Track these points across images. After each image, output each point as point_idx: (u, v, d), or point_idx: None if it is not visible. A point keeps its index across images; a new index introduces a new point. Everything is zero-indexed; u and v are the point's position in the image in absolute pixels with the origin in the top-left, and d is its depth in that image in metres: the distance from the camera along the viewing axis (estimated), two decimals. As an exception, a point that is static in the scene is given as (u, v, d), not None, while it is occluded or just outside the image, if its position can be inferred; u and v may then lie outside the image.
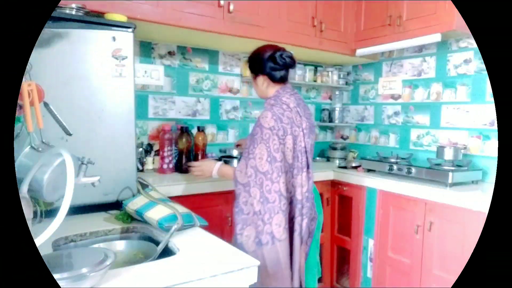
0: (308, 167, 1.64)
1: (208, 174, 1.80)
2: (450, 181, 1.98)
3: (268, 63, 1.64)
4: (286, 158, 1.58)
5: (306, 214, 1.62)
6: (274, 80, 1.67)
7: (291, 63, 1.67)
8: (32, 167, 0.87)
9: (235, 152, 2.36)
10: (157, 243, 1.25)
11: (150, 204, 1.41)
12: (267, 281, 1.54)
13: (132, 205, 1.43)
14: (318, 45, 2.57)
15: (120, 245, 1.27)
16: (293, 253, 1.60)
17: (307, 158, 1.64)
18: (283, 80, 1.69)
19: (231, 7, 2.11)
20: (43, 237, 0.73)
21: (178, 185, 1.94)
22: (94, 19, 1.53)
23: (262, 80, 1.68)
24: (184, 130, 2.34)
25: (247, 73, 1.73)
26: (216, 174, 1.77)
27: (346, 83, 3.21)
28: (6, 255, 0.63)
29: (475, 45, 2.34)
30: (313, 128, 1.73)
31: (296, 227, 1.61)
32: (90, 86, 1.51)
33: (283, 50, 1.68)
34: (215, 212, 2.04)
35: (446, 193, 1.93)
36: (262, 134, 1.55)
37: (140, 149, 2.25)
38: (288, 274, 1.57)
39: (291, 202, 1.62)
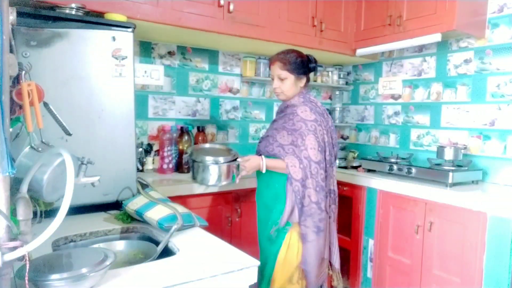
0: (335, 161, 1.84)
1: (254, 170, 1.78)
2: (450, 181, 1.98)
3: (311, 64, 1.81)
4: (327, 148, 1.73)
5: (337, 202, 1.83)
6: (308, 81, 1.83)
7: (317, 66, 1.88)
8: (31, 167, 0.87)
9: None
10: (157, 243, 1.25)
11: (150, 204, 1.41)
12: (323, 265, 1.75)
13: (132, 205, 1.43)
14: (318, 45, 2.57)
15: (120, 245, 1.26)
16: (330, 238, 1.81)
17: (335, 152, 1.81)
18: (309, 81, 1.86)
19: (231, 7, 2.11)
20: (43, 237, 0.73)
21: (178, 185, 1.94)
22: (94, 19, 1.53)
23: (303, 81, 1.79)
24: (184, 130, 2.34)
25: (282, 73, 1.75)
26: (265, 169, 1.73)
27: (346, 83, 3.21)
28: None
29: (475, 45, 2.34)
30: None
31: (331, 214, 1.80)
32: (90, 86, 1.51)
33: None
34: (215, 212, 2.04)
35: (446, 193, 1.93)
36: (308, 126, 1.67)
37: (140, 149, 2.25)
38: (327, 253, 1.79)
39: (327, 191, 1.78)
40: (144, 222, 1.38)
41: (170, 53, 2.47)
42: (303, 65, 1.78)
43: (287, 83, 1.77)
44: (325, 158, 1.72)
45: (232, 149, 2.04)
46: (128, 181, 1.61)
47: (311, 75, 1.99)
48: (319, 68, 3.11)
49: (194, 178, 1.96)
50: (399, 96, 2.81)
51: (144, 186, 1.67)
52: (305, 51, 2.59)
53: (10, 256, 0.71)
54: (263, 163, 1.73)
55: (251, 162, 1.75)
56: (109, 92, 1.55)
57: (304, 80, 1.80)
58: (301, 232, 1.68)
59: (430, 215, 2.01)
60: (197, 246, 1.18)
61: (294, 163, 1.67)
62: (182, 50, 2.52)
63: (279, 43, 2.36)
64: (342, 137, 3.32)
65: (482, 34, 2.27)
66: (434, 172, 2.08)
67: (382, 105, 2.95)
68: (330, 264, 1.86)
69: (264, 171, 1.74)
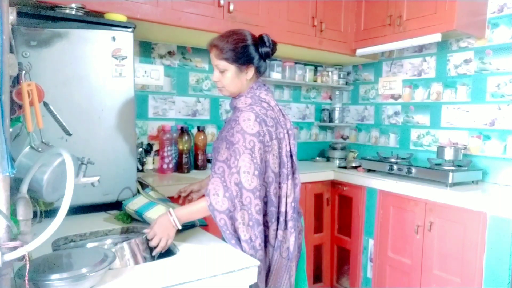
0: (293, 173, 1.39)
1: (172, 229, 1.23)
2: (450, 181, 1.98)
3: (262, 49, 1.38)
4: (272, 167, 1.31)
5: (293, 227, 1.35)
6: (260, 72, 1.41)
7: (274, 50, 1.43)
8: (32, 167, 0.87)
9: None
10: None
11: (149, 204, 1.41)
12: None
13: (132, 205, 1.43)
14: (318, 45, 2.57)
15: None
16: (273, 273, 1.34)
17: (292, 162, 1.39)
18: (263, 72, 1.44)
19: (231, 7, 2.11)
20: (43, 237, 0.73)
21: (178, 185, 1.93)
22: (94, 19, 1.53)
23: (250, 72, 1.37)
24: (184, 130, 2.34)
25: (219, 64, 1.35)
26: (179, 224, 1.23)
27: (346, 83, 3.21)
28: None
29: (475, 45, 2.34)
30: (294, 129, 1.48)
31: (280, 249, 1.34)
32: (90, 86, 1.51)
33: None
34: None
35: (446, 193, 1.93)
36: (245, 142, 1.25)
37: (140, 149, 2.25)
38: None
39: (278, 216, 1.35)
40: (144, 222, 1.38)
41: (170, 53, 2.47)
42: (247, 52, 1.35)
43: (227, 76, 1.36)
44: (274, 177, 1.31)
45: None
46: (128, 181, 1.61)
47: (269, 62, 1.56)
48: (319, 68, 3.12)
49: None
50: (399, 96, 2.81)
51: (144, 186, 1.66)
52: (305, 51, 2.63)
53: (10, 256, 0.71)
54: (173, 218, 1.23)
55: (156, 228, 1.22)
56: (109, 92, 1.55)
57: (251, 71, 1.37)
58: None
59: (430, 215, 2.01)
60: (197, 246, 1.18)
61: (217, 190, 1.23)
62: (182, 50, 2.52)
63: (279, 43, 2.32)
64: (342, 137, 3.32)
65: (482, 34, 2.27)
66: (434, 172, 2.08)
67: (382, 105, 2.95)
68: None
69: (180, 227, 1.23)
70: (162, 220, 1.23)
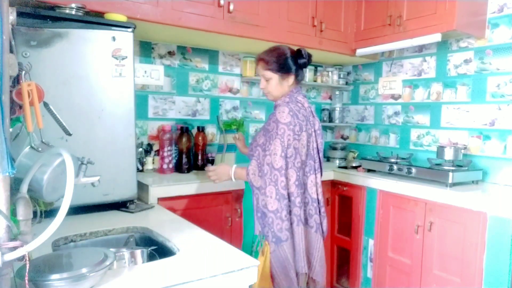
0: (321, 169, 1.72)
1: (225, 178, 1.74)
2: (450, 181, 1.98)
3: (300, 60, 1.69)
4: (300, 154, 1.62)
5: (324, 213, 1.71)
6: (298, 79, 1.72)
7: (310, 61, 1.74)
8: (32, 167, 0.87)
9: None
10: (157, 243, 1.26)
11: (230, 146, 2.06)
12: (285, 273, 1.60)
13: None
14: (318, 45, 2.57)
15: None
16: (307, 249, 1.67)
17: (319, 158, 1.70)
18: (301, 80, 1.76)
19: (231, 7, 2.11)
20: (43, 237, 0.73)
21: (178, 185, 1.94)
22: (94, 19, 1.53)
23: (291, 79, 1.69)
24: (184, 130, 2.34)
25: (265, 74, 1.70)
26: (233, 178, 1.72)
27: (346, 83, 3.21)
28: None
29: (475, 45, 2.34)
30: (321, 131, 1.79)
31: (312, 223, 1.67)
32: (90, 86, 1.51)
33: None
34: (215, 212, 2.04)
35: (446, 193, 1.93)
36: (278, 129, 1.58)
37: (140, 149, 2.25)
38: (300, 266, 1.63)
39: (303, 200, 1.66)
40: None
41: (170, 53, 2.47)
42: (287, 63, 1.68)
43: (272, 83, 1.69)
44: (301, 164, 1.63)
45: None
46: (128, 181, 1.62)
47: (306, 70, 1.93)
48: (319, 68, 3.12)
49: None
50: (399, 96, 2.81)
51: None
52: (305, 51, 2.63)
53: (10, 256, 0.71)
54: (232, 171, 1.70)
55: (219, 170, 1.75)
56: (109, 92, 1.55)
57: (291, 79, 1.69)
58: (267, 242, 1.59)
59: (430, 215, 2.01)
60: (197, 246, 1.18)
61: (254, 171, 1.61)
62: (182, 50, 2.52)
63: (279, 43, 2.35)
64: (342, 137, 3.32)
65: (482, 34, 2.27)
66: (434, 172, 2.08)
67: (382, 105, 2.95)
68: (314, 280, 1.72)
69: (234, 180, 1.71)
70: (224, 169, 1.74)
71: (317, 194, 1.68)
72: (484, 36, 2.28)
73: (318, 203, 1.68)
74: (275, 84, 1.70)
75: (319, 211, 1.69)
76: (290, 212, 1.59)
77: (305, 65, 1.72)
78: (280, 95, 1.72)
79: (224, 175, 1.74)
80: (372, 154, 2.71)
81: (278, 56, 1.68)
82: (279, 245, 1.57)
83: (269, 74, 1.69)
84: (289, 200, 1.59)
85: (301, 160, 1.63)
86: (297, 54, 1.70)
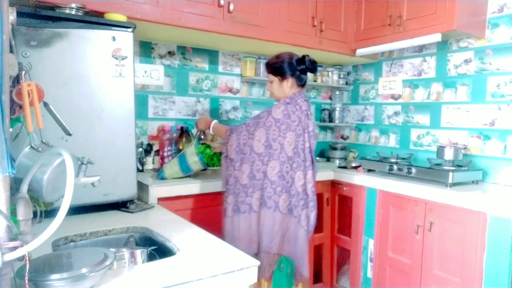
0: (313, 164, 1.82)
1: (203, 127, 2.02)
2: (450, 181, 1.98)
3: (299, 67, 1.83)
4: (285, 150, 1.73)
5: (313, 207, 1.80)
6: (299, 83, 1.85)
7: (316, 67, 1.89)
8: (31, 167, 0.87)
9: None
10: (157, 243, 1.26)
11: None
12: (235, 242, 1.70)
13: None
14: (318, 45, 2.57)
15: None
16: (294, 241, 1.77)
17: (312, 158, 1.81)
18: (304, 84, 1.89)
19: (231, 7, 2.11)
20: (43, 237, 0.73)
21: (178, 185, 1.94)
22: (94, 19, 1.53)
23: (290, 82, 1.83)
24: (184, 130, 2.34)
25: (268, 76, 1.89)
26: (212, 127, 1.96)
27: (346, 83, 3.21)
28: None
29: (475, 45, 2.34)
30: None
31: (296, 214, 1.76)
32: (90, 86, 1.51)
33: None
34: (215, 212, 2.04)
35: (446, 193, 1.93)
36: (266, 120, 1.74)
37: (140, 149, 2.25)
38: (255, 240, 1.75)
39: (288, 191, 1.76)
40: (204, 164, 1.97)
41: (170, 53, 2.47)
42: (283, 68, 1.83)
43: (273, 85, 1.88)
44: (287, 159, 1.72)
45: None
46: (128, 181, 1.62)
47: (310, 75, 2.04)
48: (319, 68, 3.12)
49: None
50: (399, 96, 2.81)
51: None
52: (305, 51, 2.60)
53: (10, 256, 0.71)
54: (212, 123, 1.97)
55: (201, 118, 2.10)
56: (109, 92, 1.55)
57: (289, 82, 1.83)
58: (223, 207, 1.79)
59: (430, 215, 2.01)
60: (197, 246, 1.18)
61: (232, 143, 1.77)
62: (182, 50, 2.52)
63: (279, 43, 2.36)
64: (342, 137, 3.32)
65: (482, 34, 2.27)
66: (434, 172, 2.08)
67: (382, 105, 2.95)
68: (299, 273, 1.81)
69: (211, 131, 1.97)
70: (206, 119, 2.02)
71: (306, 189, 1.78)
72: (484, 36, 2.28)
73: (307, 197, 1.78)
74: (275, 86, 1.87)
75: (308, 205, 1.79)
76: (262, 196, 1.72)
77: (303, 71, 1.84)
78: (282, 96, 1.85)
79: (203, 122, 2.03)
80: (372, 154, 2.71)
81: (276, 61, 1.86)
82: (238, 214, 1.74)
83: (271, 77, 1.88)
84: (270, 187, 1.71)
85: (287, 156, 1.73)
86: (298, 60, 1.84)
